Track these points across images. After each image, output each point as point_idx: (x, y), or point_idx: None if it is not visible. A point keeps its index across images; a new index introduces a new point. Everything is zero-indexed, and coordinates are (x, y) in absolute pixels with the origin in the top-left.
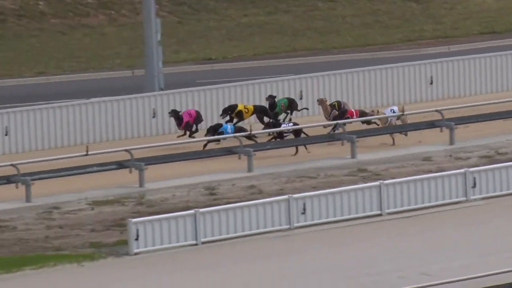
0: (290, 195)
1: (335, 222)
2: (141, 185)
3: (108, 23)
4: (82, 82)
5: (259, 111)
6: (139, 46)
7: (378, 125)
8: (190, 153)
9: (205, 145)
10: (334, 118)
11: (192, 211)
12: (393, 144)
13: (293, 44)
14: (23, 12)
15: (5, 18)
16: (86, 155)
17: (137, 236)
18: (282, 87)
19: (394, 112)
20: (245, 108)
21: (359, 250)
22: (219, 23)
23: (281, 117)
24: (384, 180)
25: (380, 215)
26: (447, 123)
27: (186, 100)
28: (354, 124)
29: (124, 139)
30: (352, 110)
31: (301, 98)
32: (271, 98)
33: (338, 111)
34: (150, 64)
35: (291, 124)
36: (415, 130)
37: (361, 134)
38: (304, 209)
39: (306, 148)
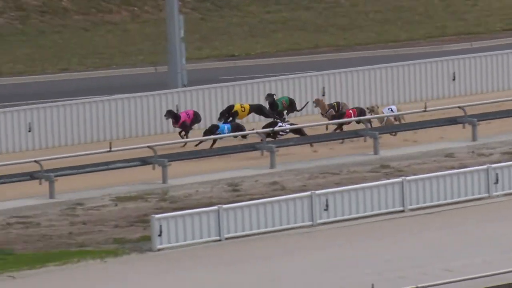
0: (313, 191)
1: (357, 218)
2: (164, 181)
3: (131, 20)
4: (105, 79)
5: (255, 110)
6: (162, 43)
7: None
8: (214, 150)
9: (198, 144)
10: (333, 118)
11: (215, 207)
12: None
13: (315, 40)
14: (46, 8)
15: (28, 14)
16: (110, 151)
17: (161, 232)
18: (305, 84)
19: (392, 111)
20: (241, 107)
21: (381, 246)
22: (242, 20)
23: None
24: (407, 176)
25: (402, 211)
26: (469, 119)
27: (209, 96)
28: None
29: (147, 135)
30: (350, 111)
31: (323, 95)
32: (269, 97)
33: (337, 113)
34: (173, 61)
35: (288, 124)
36: (437, 126)
37: (384, 130)
38: (327, 205)
39: (311, 146)
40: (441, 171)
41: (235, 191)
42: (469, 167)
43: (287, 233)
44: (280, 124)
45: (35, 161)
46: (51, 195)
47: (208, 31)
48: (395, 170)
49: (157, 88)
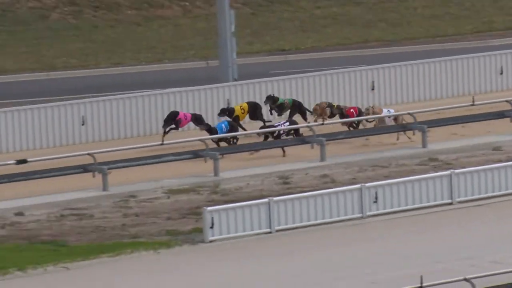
0: (362, 184)
1: (406, 210)
2: (215, 174)
3: (182, 15)
4: (157, 73)
5: (252, 107)
6: (213, 38)
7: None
8: (265, 143)
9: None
10: (334, 115)
11: (266, 200)
12: (398, 138)
13: (365, 35)
14: (99, 3)
15: (81, 9)
16: (162, 144)
17: (212, 224)
18: (354, 78)
19: (390, 113)
20: (241, 108)
21: (430, 239)
22: (292, 15)
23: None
24: (455, 169)
25: (450, 203)
26: None
27: (260, 90)
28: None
29: (199, 128)
30: (352, 110)
31: (373, 89)
32: (268, 100)
33: (338, 112)
34: (224, 55)
35: (287, 123)
36: (485, 120)
37: (433, 124)
38: (376, 198)
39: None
40: (489, 164)
41: (286, 184)
42: None
43: (337, 225)
44: (278, 124)
45: (89, 154)
46: (104, 188)
47: (259, 26)
48: (443, 163)
49: (208, 82)
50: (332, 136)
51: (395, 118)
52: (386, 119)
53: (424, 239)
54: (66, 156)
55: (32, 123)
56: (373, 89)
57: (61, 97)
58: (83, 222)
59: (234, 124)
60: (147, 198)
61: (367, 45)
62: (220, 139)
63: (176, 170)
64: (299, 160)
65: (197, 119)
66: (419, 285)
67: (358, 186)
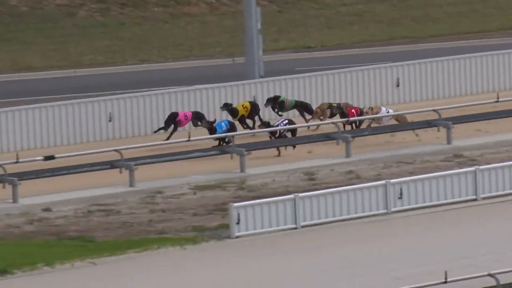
0: (387, 180)
1: (431, 206)
2: (242, 170)
3: (209, 12)
4: (184, 70)
5: (254, 106)
6: (240, 35)
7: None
8: (292, 139)
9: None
10: (334, 115)
11: (292, 196)
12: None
13: (390, 32)
14: (126, 1)
15: (108, 7)
16: (188, 140)
17: (238, 220)
18: (380, 75)
19: (388, 113)
20: (243, 107)
21: (454, 234)
22: (318, 12)
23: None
24: (480, 165)
25: (475, 200)
26: None
27: (286, 87)
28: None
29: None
30: (353, 110)
31: (398, 86)
32: (268, 102)
33: (339, 112)
34: (250, 52)
35: (286, 121)
36: (510, 116)
37: (457, 120)
38: (401, 194)
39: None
40: None
41: (311, 180)
42: None
43: (362, 221)
44: (277, 123)
45: (116, 150)
46: (131, 184)
47: (285, 23)
48: (468, 159)
49: (235, 79)
50: (357, 133)
51: (397, 118)
52: (384, 119)
53: (448, 235)
54: (93, 152)
55: (59, 119)
56: (398, 85)
57: (88, 94)
58: (110, 218)
59: (234, 124)
60: (173, 194)
61: (392, 42)
62: (220, 139)
63: (203, 167)
64: (324, 156)
65: (198, 117)
66: (444, 280)
67: (383, 182)
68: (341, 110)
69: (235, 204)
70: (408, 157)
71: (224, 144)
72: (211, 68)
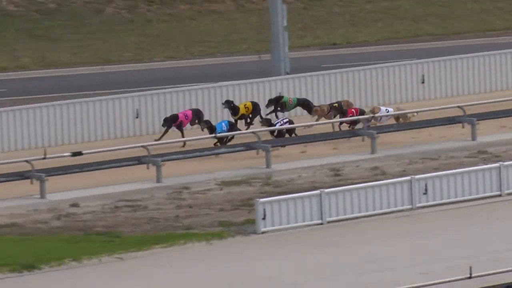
0: (412, 176)
1: (455, 202)
2: (268, 166)
3: (235, 9)
4: (211, 67)
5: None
6: (266, 32)
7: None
8: (316, 135)
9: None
10: (334, 116)
11: (317, 191)
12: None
13: (415, 29)
14: None
15: (136, 4)
16: (215, 137)
17: (264, 215)
18: (405, 71)
19: (388, 112)
20: (245, 107)
21: (479, 230)
22: (343, 9)
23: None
24: (504, 161)
25: (499, 195)
26: None
27: (311, 83)
28: (474, 107)
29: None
30: (353, 109)
31: (423, 82)
32: (270, 103)
33: (338, 112)
34: (276, 49)
35: (286, 120)
36: None
37: (482, 117)
38: (426, 189)
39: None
40: None
41: (337, 176)
42: None
43: (387, 216)
44: (277, 122)
45: (143, 146)
46: (158, 179)
47: (310, 20)
48: (492, 155)
49: (261, 75)
50: (382, 129)
51: (396, 117)
52: (383, 118)
53: (473, 230)
54: (120, 148)
55: (87, 116)
56: (423, 82)
57: (115, 91)
58: (137, 213)
59: (234, 124)
60: (200, 190)
61: (417, 39)
62: (218, 139)
63: (229, 163)
64: (350, 153)
65: (198, 116)
66: (468, 275)
67: (408, 178)
68: (341, 109)
69: (261, 200)
70: (433, 153)
71: (225, 142)
72: (237, 65)
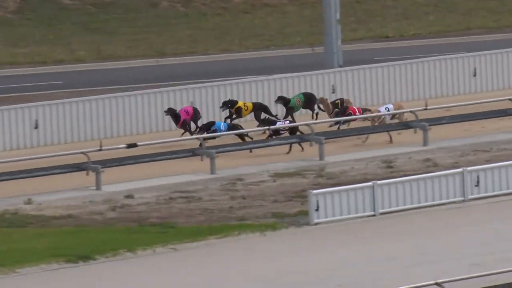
0: (464, 168)
1: (507, 194)
2: (321, 158)
3: (289, 2)
4: (264, 59)
5: (257, 109)
6: (319, 25)
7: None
8: (368, 128)
9: (200, 144)
10: (336, 115)
11: (370, 183)
12: (391, 142)
13: (466, 22)
14: None
15: None
16: (269, 129)
17: (317, 207)
18: (456, 64)
19: (388, 110)
20: (244, 105)
21: None
22: (395, 2)
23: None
24: None
25: None
26: None
27: (364, 76)
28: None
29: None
30: (354, 107)
31: (474, 75)
32: (280, 100)
33: (340, 109)
34: (329, 42)
35: (287, 122)
36: None
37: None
38: (478, 181)
39: (302, 149)
40: None
41: (389, 168)
42: None
43: (439, 208)
44: (279, 122)
45: (197, 138)
46: (212, 171)
47: (363, 13)
48: None
49: (314, 68)
50: (435, 121)
51: (394, 116)
52: (385, 117)
53: None
54: (174, 140)
55: (142, 108)
56: (475, 75)
57: (170, 83)
58: (192, 204)
59: (233, 125)
60: (253, 182)
61: (468, 32)
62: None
63: (282, 154)
64: (402, 144)
65: (197, 116)
66: None
67: (460, 170)
68: (342, 108)
69: (314, 191)
70: (485, 145)
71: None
72: (290, 58)
